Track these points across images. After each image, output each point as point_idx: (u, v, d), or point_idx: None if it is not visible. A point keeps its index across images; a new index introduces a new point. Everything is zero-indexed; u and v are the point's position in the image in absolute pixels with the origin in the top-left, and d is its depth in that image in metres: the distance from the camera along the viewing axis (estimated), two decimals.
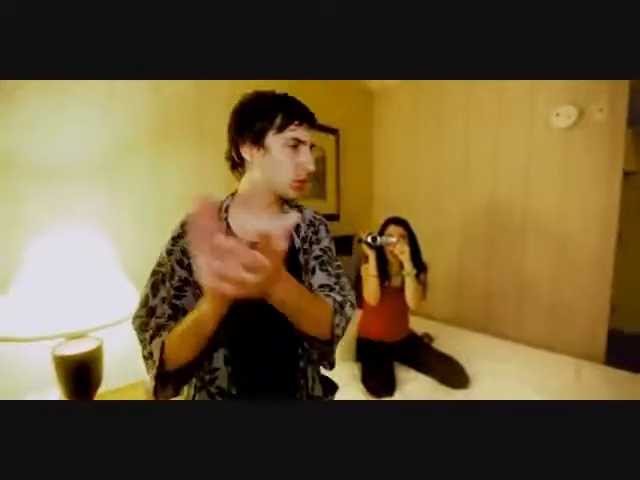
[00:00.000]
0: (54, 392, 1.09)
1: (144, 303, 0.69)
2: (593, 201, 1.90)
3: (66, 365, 1.01)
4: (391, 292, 1.58)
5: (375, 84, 2.67)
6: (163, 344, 0.60)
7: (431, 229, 2.50)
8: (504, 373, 1.56)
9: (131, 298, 1.07)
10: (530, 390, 1.42)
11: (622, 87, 1.78)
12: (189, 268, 0.66)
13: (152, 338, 0.66)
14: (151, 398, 0.68)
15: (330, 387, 0.86)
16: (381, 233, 1.62)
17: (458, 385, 1.46)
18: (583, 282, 1.94)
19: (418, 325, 2.04)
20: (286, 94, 0.75)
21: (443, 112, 2.41)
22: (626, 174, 2.22)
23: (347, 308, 0.71)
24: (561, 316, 2.01)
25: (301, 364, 0.73)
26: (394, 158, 2.69)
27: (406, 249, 1.49)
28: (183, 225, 0.70)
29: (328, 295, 0.70)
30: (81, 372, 1.03)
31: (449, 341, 1.85)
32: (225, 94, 1.63)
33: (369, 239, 1.46)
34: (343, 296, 0.72)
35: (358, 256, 1.75)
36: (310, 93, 2.22)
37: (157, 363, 0.60)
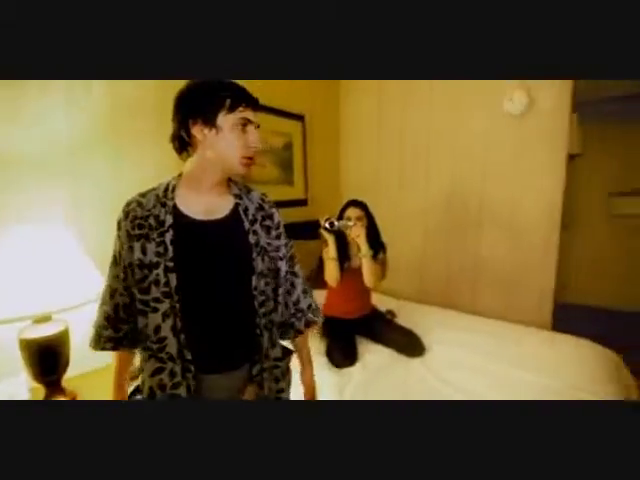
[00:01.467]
0: (23, 376, 1.13)
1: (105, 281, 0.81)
2: (541, 185, 2.04)
3: (32, 348, 1.04)
4: (352, 272, 1.67)
5: None
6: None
7: (395, 213, 2.60)
8: (458, 341, 1.70)
9: (95, 282, 1.11)
10: (479, 355, 1.57)
11: None
12: (131, 250, 0.72)
13: (104, 303, 0.80)
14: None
15: (287, 351, 0.94)
16: (341, 215, 1.70)
17: (414, 354, 1.59)
18: (532, 261, 2.10)
19: (384, 302, 2.16)
20: (231, 81, 0.79)
21: (406, 100, 2.48)
22: (572, 156, 2.39)
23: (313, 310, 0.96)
24: (513, 291, 2.18)
25: (257, 331, 0.81)
26: (360, 144, 2.76)
27: (362, 232, 1.57)
28: (124, 209, 0.75)
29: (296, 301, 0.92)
30: (47, 355, 1.06)
31: (411, 316, 1.97)
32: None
33: (327, 224, 1.54)
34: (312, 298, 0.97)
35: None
36: (275, 80, 2.25)
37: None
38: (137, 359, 0.84)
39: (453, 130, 2.31)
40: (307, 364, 0.99)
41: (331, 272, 1.60)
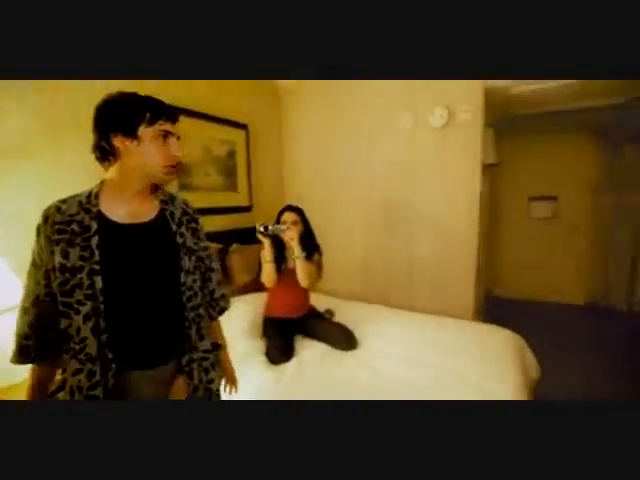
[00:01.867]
0: None
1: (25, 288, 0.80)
2: (461, 191, 2.29)
3: None
4: (289, 273, 1.77)
5: (282, 82, 2.82)
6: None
7: (336, 217, 2.75)
8: (389, 334, 1.84)
9: (13, 288, 1.10)
10: (406, 345, 1.72)
11: (478, 91, 2.16)
12: (52, 254, 0.75)
13: (25, 313, 0.78)
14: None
15: (216, 345, 1.01)
16: (278, 220, 1.79)
17: (347, 347, 1.71)
18: (455, 258, 2.33)
19: (327, 302, 2.28)
20: (150, 96, 0.86)
21: (343, 111, 2.65)
22: (490, 165, 2.68)
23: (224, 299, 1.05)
24: (441, 286, 2.40)
25: (186, 323, 0.87)
26: (303, 152, 2.88)
27: (295, 235, 1.68)
28: (43, 215, 0.77)
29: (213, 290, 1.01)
30: None
31: (349, 313, 2.10)
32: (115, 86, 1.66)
33: (261, 228, 1.62)
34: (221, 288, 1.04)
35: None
36: (221, 90, 2.32)
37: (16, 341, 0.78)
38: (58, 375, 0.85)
39: (385, 140, 2.50)
40: (222, 347, 1.08)
41: (267, 274, 1.69)
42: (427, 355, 1.63)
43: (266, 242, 1.66)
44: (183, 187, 2.05)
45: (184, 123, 1.98)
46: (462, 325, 1.99)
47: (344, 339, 1.73)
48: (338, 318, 2.03)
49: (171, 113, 0.84)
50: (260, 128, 2.66)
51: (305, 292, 1.89)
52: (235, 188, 2.44)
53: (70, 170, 1.49)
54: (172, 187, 1.97)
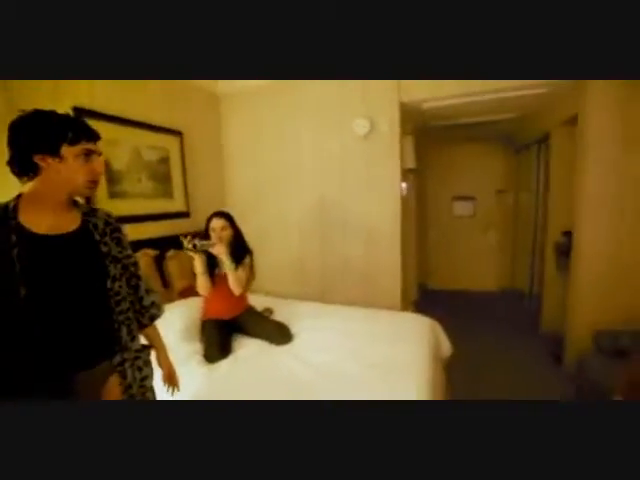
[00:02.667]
0: None
1: None
2: (384, 193, 2.53)
3: None
4: (221, 278, 1.84)
5: (220, 88, 2.88)
6: None
7: (275, 220, 2.88)
8: (322, 327, 2.00)
9: None
10: (338, 336, 1.88)
11: (394, 105, 2.43)
12: None
13: None
14: None
15: (146, 345, 1.08)
16: (207, 226, 1.86)
17: (282, 342, 1.83)
18: (382, 254, 2.58)
19: (266, 302, 2.37)
20: (70, 115, 0.91)
21: (279, 118, 2.79)
22: (410, 170, 2.98)
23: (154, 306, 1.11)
24: (371, 282, 2.63)
25: (115, 326, 0.94)
26: (242, 158, 2.97)
27: (223, 250, 1.76)
28: None
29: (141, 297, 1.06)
30: None
31: (287, 311, 2.23)
32: (48, 94, 1.64)
33: (190, 246, 1.67)
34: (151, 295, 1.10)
35: None
36: (153, 97, 2.32)
37: None
38: None
39: (317, 147, 2.68)
40: (160, 349, 1.15)
41: (202, 285, 1.77)
42: (355, 342, 1.81)
43: (196, 257, 1.73)
44: (113, 195, 2.03)
45: (114, 131, 2.00)
46: (388, 315, 2.22)
47: (279, 334, 1.85)
48: (276, 315, 2.15)
49: (93, 133, 0.90)
50: (197, 134, 2.70)
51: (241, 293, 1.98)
52: (170, 194, 2.45)
53: None
54: (102, 195, 1.95)
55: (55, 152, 0.83)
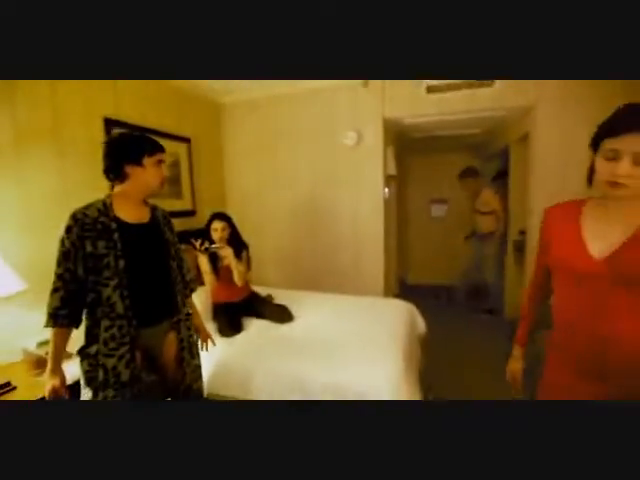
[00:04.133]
0: None
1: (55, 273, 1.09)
2: (370, 197, 2.91)
3: None
4: (225, 269, 2.16)
5: (224, 99, 3.18)
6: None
7: (269, 217, 3.21)
8: (316, 310, 2.34)
9: (8, 278, 1.34)
10: (326, 314, 2.23)
11: (378, 119, 2.81)
12: (83, 246, 1.07)
13: (56, 290, 1.08)
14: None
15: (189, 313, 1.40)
16: (208, 226, 2.17)
17: (284, 321, 2.16)
18: (369, 250, 2.96)
19: (266, 291, 2.69)
20: (145, 135, 1.22)
21: (277, 127, 3.12)
22: (392, 176, 3.38)
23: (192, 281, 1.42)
24: (359, 273, 3.00)
25: (174, 295, 1.26)
26: (241, 162, 3.28)
27: (229, 252, 2.10)
28: (74, 218, 1.09)
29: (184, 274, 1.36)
30: None
31: (284, 297, 2.55)
32: (81, 108, 1.91)
33: (203, 249, 2.05)
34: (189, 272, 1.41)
35: None
36: (166, 107, 2.60)
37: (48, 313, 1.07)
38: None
39: (310, 156, 3.03)
40: (196, 314, 1.47)
41: (209, 282, 2.13)
42: (344, 320, 2.16)
43: (204, 258, 2.10)
44: None
45: None
46: (371, 300, 2.59)
47: (282, 315, 2.18)
48: (275, 301, 2.48)
49: (160, 146, 1.23)
50: (202, 140, 2.99)
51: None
52: (180, 195, 2.73)
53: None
54: None
55: (139, 162, 1.15)
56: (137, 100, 2.35)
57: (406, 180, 4.82)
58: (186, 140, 2.79)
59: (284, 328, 2.10)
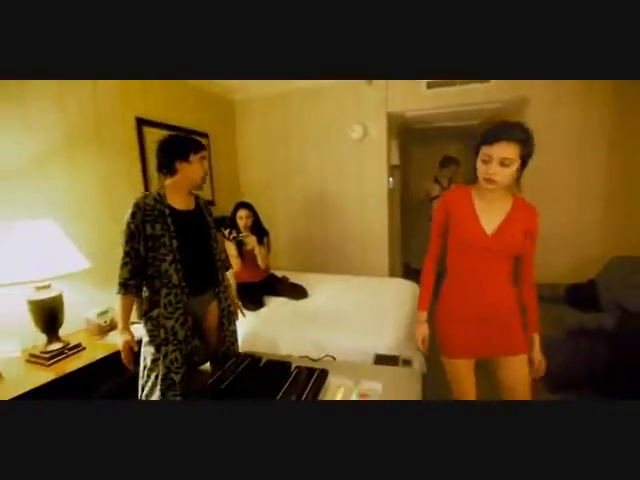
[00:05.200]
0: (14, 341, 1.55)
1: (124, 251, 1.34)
2: (375, 185, 3.15)
3: (36, 307, 1.50)
4: (248, 253, 2.44)
5: (237, 96, 3.40)
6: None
7: (282, 206, 3.46)
8: (330, 290, 2.61)
9: (77, 260, 1.61)
10: (337, 292, 2.50)
11: (382, 114, 3.02)
12: (144, 228, 1.33)
13: (125, 265, 1.34)
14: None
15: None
16: (234, 214, 2.44)
17: (300, 297, 2.44)
18: (373, 236, 3.21)
19: (277, 273, 2.96)
20: (191, 137, 1.46)
21: (287, 122, 3.34)
22: (395, 167, 3.60)
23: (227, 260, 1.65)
24: (366, 257, 3.26)
25: (216, 270, 1.53)
26: (254, 156, 3.51)
27: (253, 239, 2.38)
28: (137, 205, 1.33)
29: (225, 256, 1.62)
30: (47, 313, 1.53)
31: (298, 278, 2.82)
32: (117, 109, 2.16)
33: (231, 238, 2.32)
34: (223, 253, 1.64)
35: None
36: (187, 106, 2.83)
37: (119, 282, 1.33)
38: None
39: (319, 148, 3.26)
40: (230, 287, 1.72)
41: (236, 264, 2.39)
42: (352, 297, 2.43)
43: (232, 244, 2.37)
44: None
45: (161, 135, 2.50)
46: (378, 280, 2.86)
47: (297, 292, 2.46)
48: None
49: (203, 145, 1.47)
50: (219, 136, 3.23)
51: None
52: (200, 187, 2.98)
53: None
54: (156, 185, 2.48)
55: (187, 159, 1.40)
56: (161, 100, 2.58)
57: (408, 169, 5.03)
58: (204, 136, 3.03)
59: (300, 303, 2.38)
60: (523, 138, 1.07)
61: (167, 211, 1.37)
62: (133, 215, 1.33)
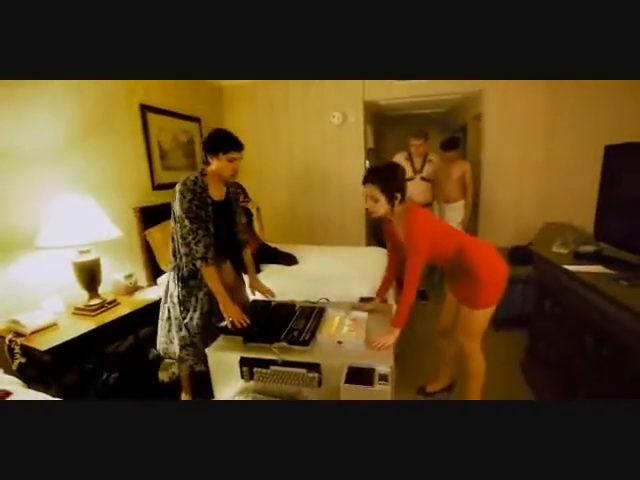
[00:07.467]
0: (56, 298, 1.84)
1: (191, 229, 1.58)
2: (353, 165, 3.54)
3: (79, 268, 1.80)
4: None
5: (224, 82, 3.62)
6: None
7: (271, 184, 3.79)
8: (316, 257, 3.01)
9: (109, 229, 1.90)
10: (324, 259, 2.91)
11: (359, 102, 3.38)
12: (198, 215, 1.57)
13: (198, 242, 1.57)
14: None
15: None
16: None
17: (291, 264, 2.82)
18: (352, 212, 3.62)
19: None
20: (231, 134, 1.68)
21: (272, 108, 3.62)
22: (370, 149, 4.00)
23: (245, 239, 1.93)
24: (345, 230, 3.68)
25: (240, 245, 1.86)
26: (244, 138, 3.76)
27: (254, 203, 2.75)
28: (188, 187, 1.55)
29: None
30: (88, 273, 1.83)
31: (286, 250, 3.20)
32: (124, 96, 2.39)
33: None
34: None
35: None
36: (183, 92, 3.05)
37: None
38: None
39: (303, 133, 3.59)
40: (247, 256, 2.01)
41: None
42: (338, 260, 2.85)
43: None
44: (164, 168, 2.82)
45: (162, 120, 2.74)
46: (358, 249, 3.29)
47: (288, 259, 2.84)
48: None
49: (239, 145, 1.67)
50: (210, 120, 3.47)
51: (257, 235, 2.93)
52: (194, 167, 3.24)
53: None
54: (158, 167, 2.74)
55: (217, 155, 1.60)
56: (161, 87, 2.81)
57: (383, 152, 5.45)
58: (197, 120, 3.27)
59: (293, 268, 2.77)
60: (379, 179, 1.37)
61: (209, 200, 1.59)
62: (191, 199, 1.51)
